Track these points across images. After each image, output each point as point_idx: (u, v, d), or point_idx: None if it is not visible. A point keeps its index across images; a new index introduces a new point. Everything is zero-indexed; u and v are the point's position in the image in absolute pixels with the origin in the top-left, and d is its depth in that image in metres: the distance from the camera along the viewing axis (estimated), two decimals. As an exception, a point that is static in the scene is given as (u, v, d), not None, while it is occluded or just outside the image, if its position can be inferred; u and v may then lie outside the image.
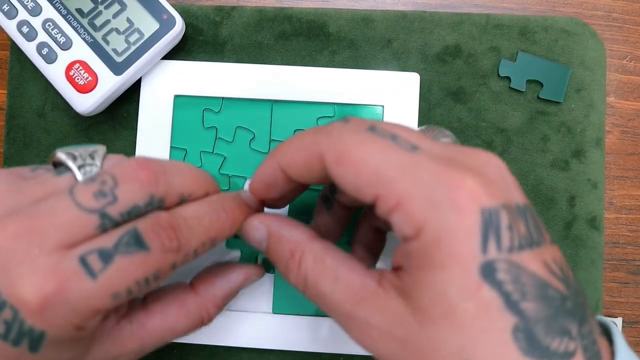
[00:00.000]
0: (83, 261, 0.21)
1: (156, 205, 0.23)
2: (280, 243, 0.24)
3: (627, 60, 0.35)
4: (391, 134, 0.21)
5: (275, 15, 0.35)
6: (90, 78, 0.32)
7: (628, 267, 0.34)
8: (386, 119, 0.33)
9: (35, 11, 0.32)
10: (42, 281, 0.20)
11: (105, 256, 0.21)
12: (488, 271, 0.19)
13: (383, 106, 0.33)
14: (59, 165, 0.24)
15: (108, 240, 0.21)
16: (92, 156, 0.24)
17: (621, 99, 0.35)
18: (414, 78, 0.33)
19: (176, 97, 0.34)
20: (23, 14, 0.32)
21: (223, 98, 0.34)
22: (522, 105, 0.34)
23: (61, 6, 0.32)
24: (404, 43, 0.35)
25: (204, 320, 0.27)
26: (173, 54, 0.34)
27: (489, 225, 0.19)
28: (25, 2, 0.32)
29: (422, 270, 0.19)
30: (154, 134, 0.34)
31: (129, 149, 0.34)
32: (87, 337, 0.23)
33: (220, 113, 0.34)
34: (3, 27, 0.33)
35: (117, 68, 0.32)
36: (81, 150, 0.24)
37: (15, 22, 0.32)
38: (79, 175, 0.23)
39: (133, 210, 0.22)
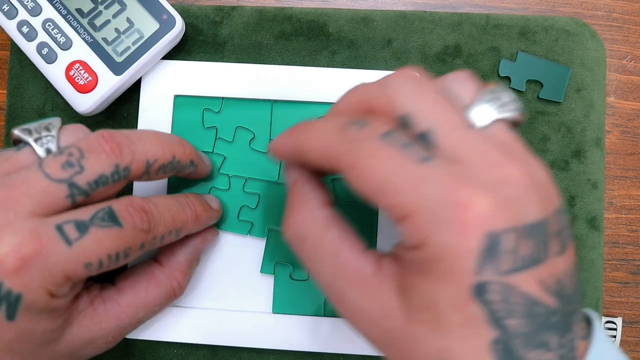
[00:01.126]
0: (59, 229, 0.22)
1: (122, 174, 0.25)
2: (296, 192, 0.24)
3: (627, 60, 0.35)
4: (403, 143, 0.20)
5: (275, 15, 0.35)
6: (90, 78, 0.32)
7: (628, 267, 0.34)
8: (386, 119, 0.33)
9: (35, 11, 0.32)
10: (21, 243, 0.22)
11: (81, 227, 0.23)
12: (479, 291, 0.19)
13: (383, 106, 0.33)
14: (18, 143, 0.26)
15: (84, 214, 0.23)
16: (47, 128, 0.26)
17: (621, 99, 0.35)
18: (414, 78, 0.33)
19: (176, 97, 0.34)
20: (23, 14, 0.32)
21: (223, 98, 0.34)
22: (522, 104, 0.34)
23: (61, 6, 0.32)
24: (404, 43, 0.35)
25: (174, 290, 0.29)
26: (173, 54, 0.34)
27: (491, 249, 0.19)
28: (25, 2, 0.32)
29: (420, 275, 0.20)
30: (154, 134, 0.34)
31: (129, 149, 0.34)
32: (60, 311, 0.24)
33: (220, 113, 0.34)
34: (3, 27, 0.33)
35: (117, 68, 0.32)
36: (36, 124, 0.26)
37: (15, 22, 0.32)
38: (37, 148, 0.25)
39: (100, 179, 0.24)
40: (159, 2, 0.33)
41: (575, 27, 0.34)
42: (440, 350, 0.19)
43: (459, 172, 0.19)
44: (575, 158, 0.34)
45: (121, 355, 0.33)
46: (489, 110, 0.22)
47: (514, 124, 0.23)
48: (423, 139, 0.20)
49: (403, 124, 0.21)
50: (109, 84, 0.32)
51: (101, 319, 0.26)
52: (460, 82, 0.23)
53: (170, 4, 0.33)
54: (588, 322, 0.22)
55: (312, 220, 0.23)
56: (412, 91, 0.21)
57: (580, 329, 0.21)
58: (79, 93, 0.32)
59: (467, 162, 0.20)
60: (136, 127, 0.34)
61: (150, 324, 0.33)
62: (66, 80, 0.32)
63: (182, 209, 0.28)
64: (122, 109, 0.35)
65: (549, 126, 0.34)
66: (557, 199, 0.21)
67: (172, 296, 0.29)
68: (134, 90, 0.34)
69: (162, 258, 0.30)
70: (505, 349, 0.19)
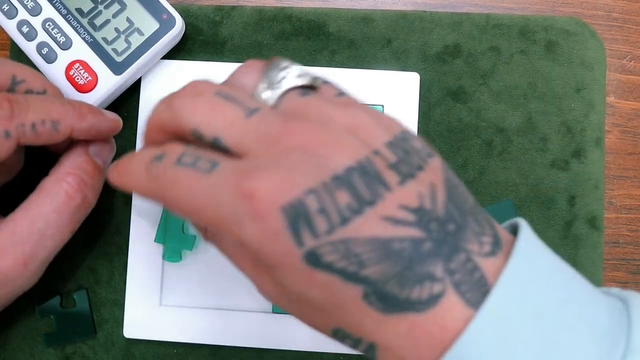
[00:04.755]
0: None
1: None
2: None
3: (627, 60, 0.35)
4: (193, 160, 0.21)
5: (275, 15, 0.35)
6: (90, 78, 0.32)
7: (628, 267, 0.34)
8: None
9: (35, 11, 0.32)
10: None
11: None
12: (313, 259, 0.19)
13: (383, 106, 0.33)
14: None
15: None
16: None
17: (621, 98, 0.35)
18: (414, 78, 0.33)
19: (176, 96, 0.34)
20: (23, 14, 0.32)
21: (223, 98, 0.34)
22: (522, 105, 0.34)
23: (61, 6, 0.32)
24: (404, 43, 0.35)
25: (69, 193, 0.28)
26: (173, 54, 0.34)
27: (296, 219, 0.19)
28: (25, 2, 0.32)
29: (268, 269, 0.20)
30: (154, 134, 0.34)
31: (129, 149, 0.34)
32: None
33: (220, 113, 0.34)
34: (3, 27, 0.33)
35: (117, 68, 0.32)
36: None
37: (15, 22, 0.32)
38: None
39: None
40: (159, 2, 0.33)
41: (575, 27, 0.34)
42: (329, 319, 0.20)
43: (241, 165, 0.20)
44: (575, 158, 0.34)
45: (121, 356, 0.33)
46: (269, 92, 0.22)
47: (311, 88, 0.23)
48: (217, 146, 0.21)
49: (197, 138, 0.22)
50: (109, 84, 0.32)
51: None
52: (244, 71, 0.23)
53: (170, 4, 0.33)
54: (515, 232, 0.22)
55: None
56: (191, 105, 0.22)
57: (486, 244, 0.20)
58: (79, 93, 0.32)
59: (250, 150, 0.20)
60: (136, 127, 0.34)
61: (150, 324, 0.33)
62: (66, 80, 0.32)
63: (59, 103, 0.27)
64: (122, 109, 0.35)
65: (549, 126, 0.34)
66: (380, 135, 0.21)
67: (71, 200, 0.28)
68: (134, 90, 0.34)
69: (50, 171, 0.29)
70: (381, 297, 0.19)
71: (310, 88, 0.23)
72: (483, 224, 0.21)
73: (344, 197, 0.19)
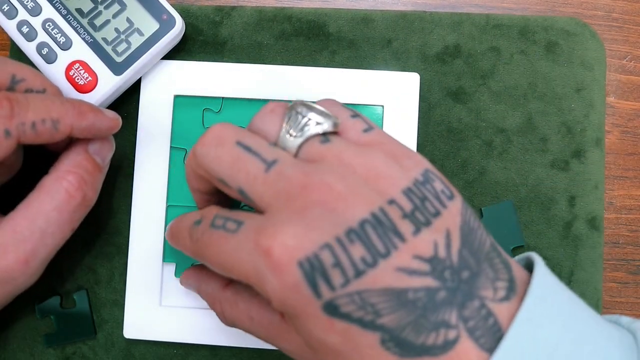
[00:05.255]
0: None
1: None
2: (204, 296, 0.28)
3: (627, 60, 0.35)
4: (223, 222, 0.22)
5: (275, 15, 0.35)
6: (90, 78, 0.32)
7: (628, 267, 0.34)
8: (386, 118, 0.33)
9: (35, 11, 0.32)
10: None
11: None
12: (331, 309, 0.20)
13: (383, 106, 0.33)
14: None
15: None
16: None
17: (621, 99, 0.35)
18: (414, 78, 0.33)
19: (176, 97, 0.34)
20: (23, 14, 0.32)
21: (223, 98, 0.34)
22: (522, 105, 0.34)
23: (61, 6, 0.32)
24: (404, 43, 0.35)
25: (69, 191, 0.28)
26: (173, 54, 0.34)
27: (312, 273, 0.19)
28: (25, 2, 0.32)
29: (290, 319, 0.21)
30: (154, 134, 0.34)
31: (129, 149, 0.34)
32: None
33: (220, 113, 0.34)
34: (3, 27, 0.33)
35: (117, 68, 0.32)
36: None
37: (15, 22, 0.32)
38: None
39: None
40: (159, 2, 0.33)
41: (575, 27, 0.34)
42: None
43: (261, 222, 0.21)
44: (575, 158, 0.34)
45: (121, 356, 0.33)
46: (290, 139, 0.23)
47: (334, 132, 0.23)
48: (243, 196, 0.22)
49: (224, 185, 0.23)
50: (109, 84, 0.32)
51: None
52: (266, 117, 0.24)
53: (170, 4, 0.33)
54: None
55: (224, 306, 0.26)
56: (214, 155, 0.23)
57: (500, 290, 0.20)
58: (79, 93, 0.32)
59: (270, 205, 0.21)
60: (136, 127, 0.34)
61: (150, 324, 0.33)
62: (66, 80, 0.32)
63: (59, 102, 0.27)
64: (122, 109, 0.35)
65: (549, 126, 0.34)
66: (397, 182, 0.21)
67: (72, 199, 0.28)
68: (134, 90, 0.34)
69: (50, 169, 0.29)
70: (398, 343, 0.19)
71: (333, 133, 0.23)
72: (498, 267, 0.21)
73: (358, 251, 0.20)
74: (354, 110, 0.25)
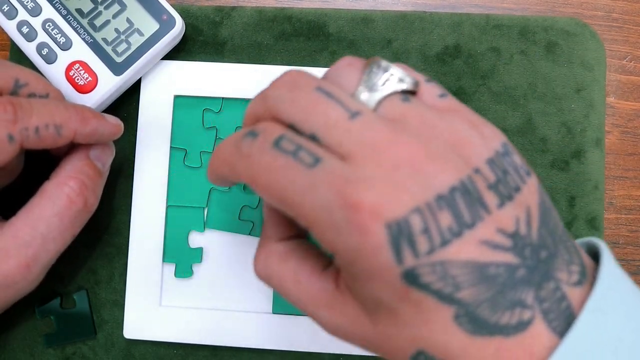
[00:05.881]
0: None
1: None
2: (262, 232, 0.25)
3: (627, 60, 0.35)
4: (294, 149, 0.20)
5: (275, 15, 0.35)
6: (90, 78, 0.32)
7: (628, 267, 0.34)
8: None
9: (35, 11, 0.32)
10: None
11: None
12: (411, 278, 0.19)
13: (383, 106, 0.33)
14: None
15: None
16: None
17: (621, 99, 0.35)
18: (414, 78, 0.33)
19: (176, 97, 0.34)
20: (23, 14, 0.32)
21: (223, 98, 0.34)
22: (522, 105, 0.34)
23: (61, 6, 0.32)
24: (404, 43, 0.35)
25: (70, 197, 0.28)
26: (173, 54, 0.34)
27: (399, 237, 0.18)
28: (25, 3, 0.32)
29: (355, 280, 0.20)
30: (154, 134, 0.34)
31: (129, 149, 0.34)
32: None
33: (220, 113, 0.34)
34: (3, 27, 0.33)
35: (117, 68, 0.32)
36: None
37: (15, 22, 0.32)
38: None
39: None
40: (159, 2, 0.33)
41: (575, 27, 0.34)
42: (414, 340, 0.20)
43: (347, 171, 0.19)
44: (575, 158, 0.34)
45: (121, 356, 0.33)
46: (370, 94, 0.21)
47: (411, 92, 0.22)
48: (314, 139, 0.20)
49: (293, 128, 0.21)
50: (109, 84, 0.32)
51: None
52: (343, 69, 0.22)
53: (170, 4, 0.33)
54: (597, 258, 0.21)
55: (270, 257, 0.24)
56: (290, 98, 0.21)
57: (574, 274, 0.20)
58: (79, 93, 0.32)
59: (354, 155, 0.19)
60: (136, 127, 0.34)
61: (150, 324, 0.33)
62: (66, 81, 0.32)
63: (63, 107, 0.27)
64: (122, 109, 0.35)
65: (549, 126, 0.34)
66: (481, 151, 0.20)
67: (73, 204, 0.28)
68: (134, 90, 0.34)
69: (51, 174, 0.29)
70: (472, 319, 0.19)
71: (411, 92, 0.22)
72: (572, 251, 0.21)
73: (446, 218, 0.19)
74: (428, 77, 0.23)
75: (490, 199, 0.19)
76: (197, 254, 0.33)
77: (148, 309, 0.33)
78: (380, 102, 0.21)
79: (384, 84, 0.21)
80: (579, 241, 0.24)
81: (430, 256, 0.19)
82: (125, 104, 0.35)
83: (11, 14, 0.32)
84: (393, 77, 0.21)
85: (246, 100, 0.34)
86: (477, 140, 0.20)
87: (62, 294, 0.34)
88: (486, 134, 0.21)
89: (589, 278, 0.20)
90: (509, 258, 0.19)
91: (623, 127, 0.35)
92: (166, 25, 0.32)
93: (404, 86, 0.21)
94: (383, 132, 0.20)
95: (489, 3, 0.36)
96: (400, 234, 0.18)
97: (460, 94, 0.34)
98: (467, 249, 0.19)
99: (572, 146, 0.34)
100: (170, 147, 0.34)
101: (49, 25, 0.32)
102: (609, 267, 0.20)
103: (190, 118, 0.34)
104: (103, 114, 0.29)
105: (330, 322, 0.22)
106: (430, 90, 0.22)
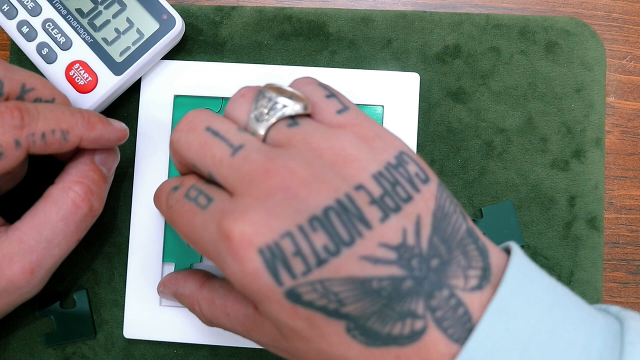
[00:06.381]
0: None
1: None
2: (183, 299, 0.28)
3: (627, 60, 0.35)
4: (196, 195, 0.22)
5: (275, 15, 0.35)
6: (90, 78, 0.32)
7: (628, 267, 0.34)
8: (386, 118, 0.33)
9: (35, 11, 0.32)
10: None
11: None
12: (294, 297, 0.19)
13: (383, 106, 0.33)
14: None
15: None
16: None
17: (621, 99, 0.35)
18: (414, 78, 0.33)
19: (176, 97, 0.34)
20: (23, 14, 0.32)
21: (223, 98, 0.34)
22: (522, 105, 0.34)
23: (61, 6, 0.32)
24: (404, 43, 0.35)
25: (75, 202, 0.28)
26: (173, 54, 0.34)
27: (273, 261, 0.19)
28: (25, 2, 0.32)
29: (255, 303, 0.21)
30: (154, 134, 0.34)
31: (129, 149, 0.34)
32: None
33: (220, 113, 0.34)
34: (3, 27, 0.33)
35: (117, 68, 0.32)
36: None
37: (15, 22, 0.32)
38: None
39: None
40: (159, 2, 0.33)
41: (575, 27, 0.34)
42: (319, 353, 0.20)
43: (227, 205, 0.21)
44: (575, 158, 0.34)
45: (121, 356, 0.33)
46: (257, 123, 0.22)
47: (302, 115, 0.23)
48: (213, 180, 0.22)
49: (197, 171, 0.23)
50: (109, 84, 0.32)
51: (3, 245, 0.26)
52: (236, 102, 0.24)
53: (170, 4, 0.33)
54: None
55: (202, 305, 0.26)
56: (185, 141, 0.23)
57: (472, 278, 0.20)
58: (79, 93, 0.32)
59: (236, 189, 0.21)
60: (136, 127, 0.34)
61: (150, 324, 0.33)
62: (66, 81, 0.32)
63: (69, 112, 0.27)
64: (122, 109, 0.35)
65: (549, 126, 0.34)
66: (367, 166, 0.20)
67: (78, 209, 0.28)
68: (134, 90, 0.34)
69: (56, 179, 0.29)
70: (364, 332, 0.19)
71: (306, 115, 0.23)
72: (472, 255, 0.20)
73: (321, 239, 0.19)
74: (331, 89, 0.24)
75: (372, 214, 0.20)
76: (197, 254, 0.33)
77: (148, 309, 0.33)
78: (268, 131, 0.22)
79: (268, 112, 0.22)
80: (501, 246, 0.24)
81: (308, 276, 0.19)
82: (125, 104, 0.35)
83: (11, 14, 0.32)
84: (277, 105, 0.22)
85: (246, 100, 0.34)
86: (365, 155, 0.21)
87: (62, 293, 0.34)
88: (377, 147, 0.21)
89: (494, 281, 0.20)
90: (393, 271, 0.19)
91: (623, 127, 0.35)
92: (166, 25, 0.32)
93: (289, 112, 0.22)
94: (260, 162, 0.21)
95: (489, 3, 0.36)
96: (274, 258, 0.19)
97: (460, 93, 0.34)
98: (346, 266, 0.19)
99: (572, 146, 0.34)
100: (170, 147, 0.34)
101: (49, 25, 0.32)
102: (518, 266, 0.20)
103: (190, 118, 0.34)
104: (109, 119, 0.29)
105: (261, 342, 0.24)
106: (329, 107, 0.23)
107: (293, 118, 0.22)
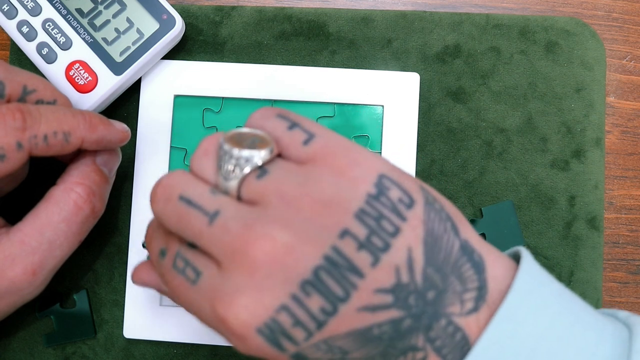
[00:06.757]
0: None
1: None
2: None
3: (627, 60, 0.35)
4: (183, 266, 0.22)
5: (275, 15, 0.35)
6: (90, 78, 0.32)
7: (628, 267, 0.34)
8: (386, 118, 0.33)
9: (35, 11, 0.32)
10: None
11: None
12: (300, 358, 0.20)
13: (383, 106, 0.33)
14: None
15: None
16: None
17: (621, 99, 0.35)
18: (414, 78, 0.33)
19: (176, 97, 0.34)
20: (23, 14, 0.32)
21: (223, 98, 0.34)
22: (522, 105, 0.34)
23: (61, 6, 0.32)
24: (404, 43, 0.35)
25: (77, 203, 0.28)
26: (173, 54, 0.34)
27: (273, 335, 0.19)
28: (25, 2, 0.32)
29: None
30: (154, 134, 0.34)
31: (129, 149, 0.34)
32: None
33: (220, 113, 0.34)
34: (3, 27, 0.33)
35: (117, 68, 0.32)
36: None
37: (15, 22, 0.32)
38: None
39: None
40: (159, 2, 0.33)
41: (575, 27, 0.34)
42: None
43: (216, 281, 0.20)
44: (575, 158, 0.34)
45: (121, 356, 0.33)
46: (226, 183, 0.21)
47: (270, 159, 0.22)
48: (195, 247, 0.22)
49: (181, 238, 0.23)
50: (109, 84, 0.32)
51: (4, 246, 0.26)
52: (201, 160, 0.23)
53: (170, 4, 0.33)
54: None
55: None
56: (163, 212, 0.22)
57: (468, 302, 0.20)
58: (79, 93, 0.32)
59: (222, 262, 0.20)
60: (136, 127, 0.34)
61: (150, 324, 0.33)
62: (66, 80, 0.32)
63: (71, 114, 0.27)
64: (122, 109, 0.35)
65: (549, 126, 0.34)
66: (346, 208, 0.19)
67: (80, 210, 0.28)
68: (134, 90, 0.34)
69: (58, 180, 0.29)
70: None
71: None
72: (467, 276, 0.20)
73: (316, 302, 0.19)
74: (292, 116, 0.22)
75: (362, 260, 0.19)
76: None
77: (148, 308, 0.33)
78: (239, 187, 0.21)
79: (234, 170, 0.21)
80: (507, 252, 0.23)
81: (310, 340, 0.19)
82: (125, 104, 0.35)
83: (11, 14, 0.32)
84: (240, 161, 0.21)
85: (246, 100, 0.34)
86: (344, 192, 0.20)
87: (62, 293, 0.34)
88: (354, 177, 0.20)
89: (491, 296, 0.20)
90: (392, 314, 0.19)
91: (623, 126, 0.35)
92: (166, 24, 0.32)
93: (253, 165, 0.21)
94: (238, 232, 0.20)
95: (489, 3, 0.36)
96: (273, 333, 0.19)
97: (460, 93, 0.34)
98: (345, 322, 0.19)
99: (572, 146, 0.34)
100: (170, 146, 0.34)
101: (49, 25, 0.32)
102: (524, 279, 0.20)
103: (190, 118, 0.34)
104: (110, 120, 0.29)
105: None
106: (293, 140, 0.22)
107: (261, 167, 0.21)
